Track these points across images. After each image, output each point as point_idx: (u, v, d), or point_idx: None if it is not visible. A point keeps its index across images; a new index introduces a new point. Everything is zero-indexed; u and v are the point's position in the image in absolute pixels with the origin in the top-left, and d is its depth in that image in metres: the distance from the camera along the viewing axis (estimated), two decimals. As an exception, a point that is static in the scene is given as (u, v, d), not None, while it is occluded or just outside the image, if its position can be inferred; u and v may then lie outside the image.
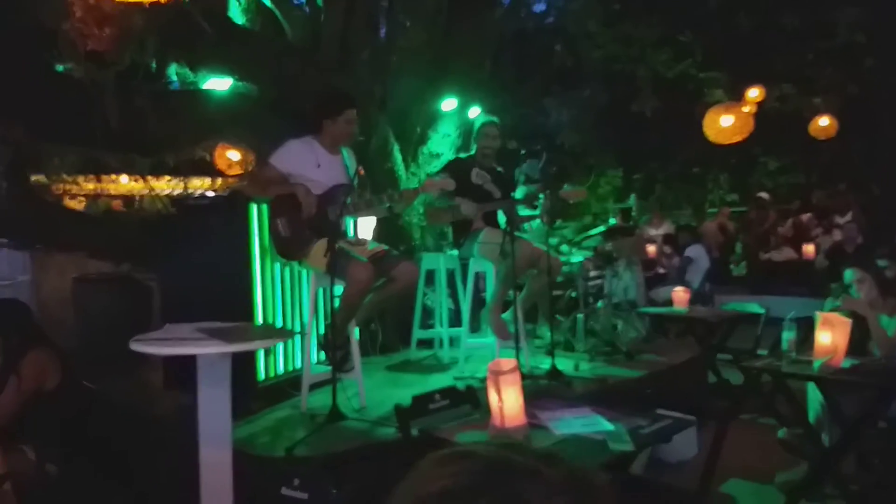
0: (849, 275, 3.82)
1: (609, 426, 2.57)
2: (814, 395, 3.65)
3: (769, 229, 8.85)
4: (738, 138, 7.27)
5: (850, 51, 9.80)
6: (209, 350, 2.58)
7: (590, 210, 10.46)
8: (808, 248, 7.85)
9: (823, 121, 8.84)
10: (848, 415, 3.44)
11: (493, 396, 2.53)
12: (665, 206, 10.66)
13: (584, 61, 10.59)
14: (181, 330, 2.83)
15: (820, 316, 3.37)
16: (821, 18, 9.58)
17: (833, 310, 3.73)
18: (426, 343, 5.09)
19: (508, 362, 2.58)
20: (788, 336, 3.63)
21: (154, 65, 3.78)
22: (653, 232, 8.96)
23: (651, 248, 8.28)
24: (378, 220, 4.95)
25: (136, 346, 2.63)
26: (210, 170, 7.05)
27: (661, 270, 7.80)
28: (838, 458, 3.46)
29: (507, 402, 2.50)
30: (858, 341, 3.76)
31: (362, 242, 3.80)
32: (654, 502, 3.12)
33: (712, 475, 2.80)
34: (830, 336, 3.28)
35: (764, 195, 9.59)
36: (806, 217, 9.12)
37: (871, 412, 3.37)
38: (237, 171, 6.22)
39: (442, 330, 4.99)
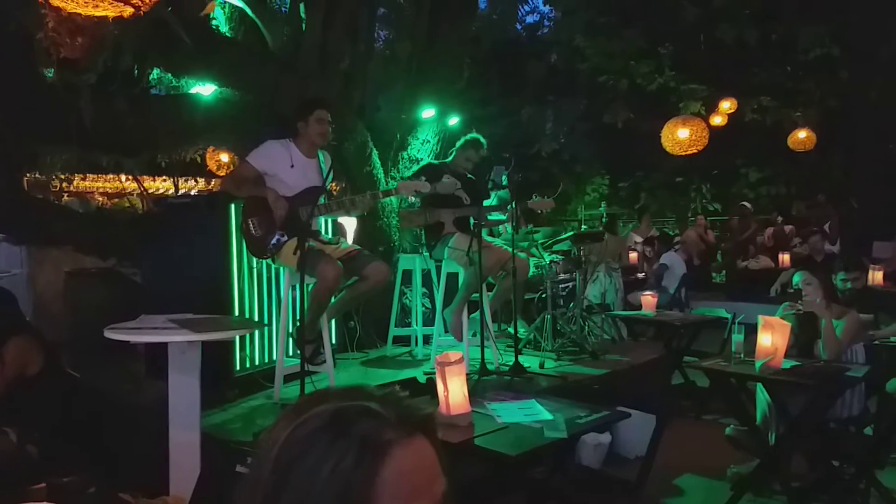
0: (797, 277, 4.00)
1: (548, 416, 2.76)
2: (762, 395, 3.83)
3: (749, 238, 9.05)
4: (693, 150, 7.50)
5: (827, 64, 10.02)
6: (177, 338, 2.77)
7: (577, 216, 10.70)
8: (785, 258, 8.05)
9: (801, 133, 9.04)
10: (794, 414, 3.62)
11: (439, 386, 2.72)
12: (643, 214, 10.87)
13: (571, 72, 10.83)
14: (155, 320, 3.03)
15: (762, 319, 3.55)
16: (786, 34, 9.80)
17: (796, 312, 3.92)
18: (403, 340, 5.27)
19: (455, 355, 2.78)
20: (737, 338, 3.83)
21: (136, 71, 3.98)
22: (638, 239, 9.16)
23: (633, 255, 8.49)
24: (358, 222, 5.15)
25: (110, 334, 2.83)
26: (202, 171, 7.28)
27: (640, 275, 7.99)
28: (780, 455, 3.64)
29: (452, 392, 2.69)
30: (805, 343, 3.96)
31: (335, 243, 4.00)
32: (600, 490, 3.32)
33: (649, 469, 2.97)
34: (771, 338, 3.47)
35: (747, 204, 9.80)
36: (788, 228, 9.32)
37: (810, 412, 3.55)
38: (227, 171, 6.43)
39: (417, 328, 5.17)
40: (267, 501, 0.72)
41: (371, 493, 0.70)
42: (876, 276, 6.44)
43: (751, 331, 3.82)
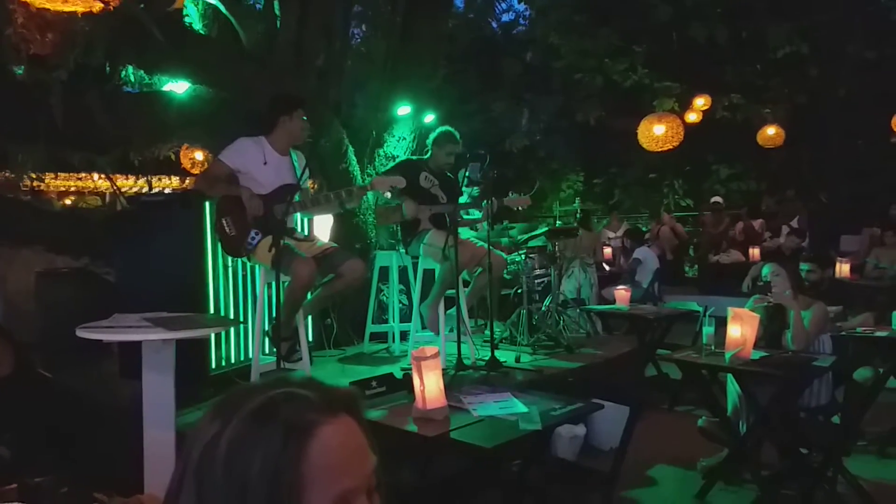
0: (766, 269, 4.09)
1: (523, 408, 2.79)
2: (732, 386, 3.91)
3: (722, 233, 9.22)
4: (668, 146, 7.63)
5: (795, 61, 10.23)
6: (151, 337, 2.76)
7: (552, 212, 10.82)
8: (755, 252, 8.21)
9: (770, 130, 9.23)
10: (763, 404, 3.70)
11: (415, 381, 2.74)
12: (622, 210, 11.04)
13: (546, 70, 10.92)
14: (128, 319, 3.01)
15: (731, 311, 3.62)
16: (756, 33, 10.00)
17: (765, 305, 4.02)
18: (380, 337, 5.28)
19: (431, 349, 2.80)
20: (707, 331, 3.91)
21: (108, 68, 3.94)
22: (611, 235, 9.28)
23: (607, 250, 8.59)
24: (335, 220, 5.14)
25: (82, 333, 2.80)
26: (176, 169, 7.22)
27: (608, 268, 8.12)
28: (750, 445, 3.72)
29: (429, 386, 2.72)
30: (774, 334, 4.05)
31: (311, 240, 4.00)
32: (575, 482, 3.36)
33: (622, 459, 3.02)
34: (740, 330, 3.54)
35: (719, 200, 9.97)
36: (758, 223, 9.50)
37: (779, 401, 3.63)
38: (201, 170, 6.39)
39: (394, 324, 5.18)
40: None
41: (299, 475, 0.70)
42: (843, 269, 6.60)
43: (722, 323, 3.90)
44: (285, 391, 0.76)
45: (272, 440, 0.71)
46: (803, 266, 4.77)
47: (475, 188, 4.84)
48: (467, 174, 4.42)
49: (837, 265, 6.43)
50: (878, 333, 4.39)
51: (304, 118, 3.81)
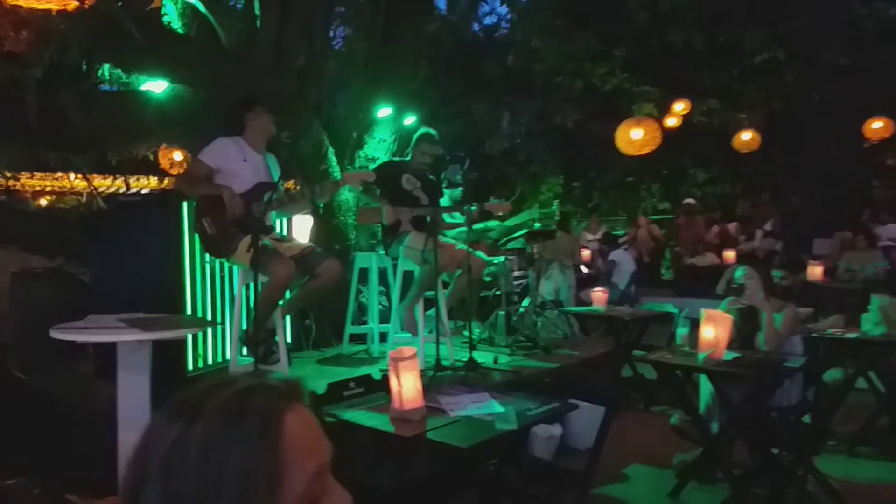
0: (739, 272, 4.17)
1: (500, 408, 2.82)
2: (705, 386, 3.97)
3: (698, 236, 9.35)
4: (646, 150, 7.73)
5: (771, 67, 10.41)
6: (126, 337, 2.74)
7: (535, 215, 10.89)
8: (729, 255, 8.34)
9: (746, 135, 9.38)
10: (735, 404, 3.77)
11: (392, 381, 2.76)
12: (600, 212, 11.16)
13: (528, 73, 10.99)
14: (104, 320, 2.99)
15: (704, 313, 3.68)
16: (733, 39, 10.16)
17: (741, 306, 4.09)
18: (359, 338, 5.27)
19: (409, 350, 2.82)
20: (681, 332, 3.98)
21: (84, 66, 3.91)
22: (590, 237, 9.37)
23: (585, 253, 8.67)
24: (315, 221, 5.14)
25: (56, 334, 2.78)
26: (154, 169, 7.15)
27: (586, 270, 8.20)
28: (722, 443, 3.78)
29: (406, 387, 2.73)
30: (747, 336, 4.12)
31: (289, 241, 4.00)
32: (551, 481, 3.40)
33: (597, 458, 3.06)
34: (713, 331, 3.60)
35: (691, 201, 10.11)
36: (733, 226, 9.65)
37: (751, 401, 3.70)
38: (179, 170, 6.35)
39: (373, 326, 5.18)
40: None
41: (277, 459, 0.73)
42: (815, 272, 6.72)
43: (697, 325, 3.96)
44: (251, 384, 0.79)
45: (248, 432, 0.72)
46: (776, 273, 4.86)
47: (456, 190, 4.87)
48: (447, 177, 4.45)
49: (809, 268, 6.55)
50: (848, 335, 4.48)
51: (269, 113, 3.84)
